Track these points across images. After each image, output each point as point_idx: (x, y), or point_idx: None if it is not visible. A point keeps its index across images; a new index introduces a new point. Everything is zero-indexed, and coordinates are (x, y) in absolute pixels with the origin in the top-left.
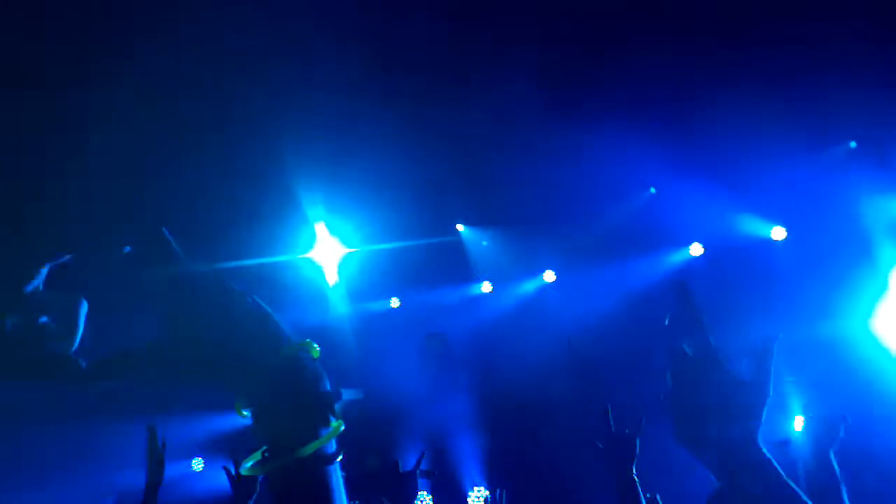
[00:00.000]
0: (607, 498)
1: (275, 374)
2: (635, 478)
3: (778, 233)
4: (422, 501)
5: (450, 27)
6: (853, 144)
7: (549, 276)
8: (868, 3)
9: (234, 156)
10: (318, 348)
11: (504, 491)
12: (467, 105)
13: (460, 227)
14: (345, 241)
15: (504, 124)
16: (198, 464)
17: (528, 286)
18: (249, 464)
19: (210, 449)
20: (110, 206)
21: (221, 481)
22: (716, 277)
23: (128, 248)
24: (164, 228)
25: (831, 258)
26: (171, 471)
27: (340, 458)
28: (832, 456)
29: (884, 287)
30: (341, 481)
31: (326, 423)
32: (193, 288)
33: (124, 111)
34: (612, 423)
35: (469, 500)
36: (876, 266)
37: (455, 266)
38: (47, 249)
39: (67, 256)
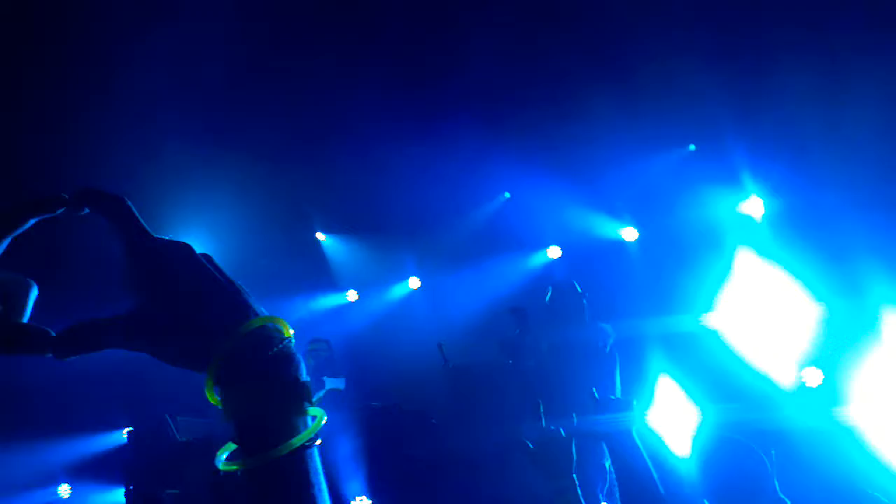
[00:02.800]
0: None
1: (239, 347)
2: (576, 481)
3: (629, 233)
4: None
5: (301, 27)
6: (692, 147)
7: (414, 283)
8: (707, 13)
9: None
10: (290, 328)
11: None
12: (323, 113)
13: (321, 236)
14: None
15: (360, 131)
16: (64, 490)
17: (395, 293)
18: (224, 456)
19: (78, 473)
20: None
21: None
22: (575, 279)
23: (62, 210)
24: (127, 200)
25: (682, 254)
26: (37, 499)
27: (319, 442)
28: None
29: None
30: (319, 464)
31: (302, 412)
32: (155, 256)
33: None
34: (543, 420)
35: None
36: (724, 262)
37: (319, 275)
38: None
39: (32, 221)
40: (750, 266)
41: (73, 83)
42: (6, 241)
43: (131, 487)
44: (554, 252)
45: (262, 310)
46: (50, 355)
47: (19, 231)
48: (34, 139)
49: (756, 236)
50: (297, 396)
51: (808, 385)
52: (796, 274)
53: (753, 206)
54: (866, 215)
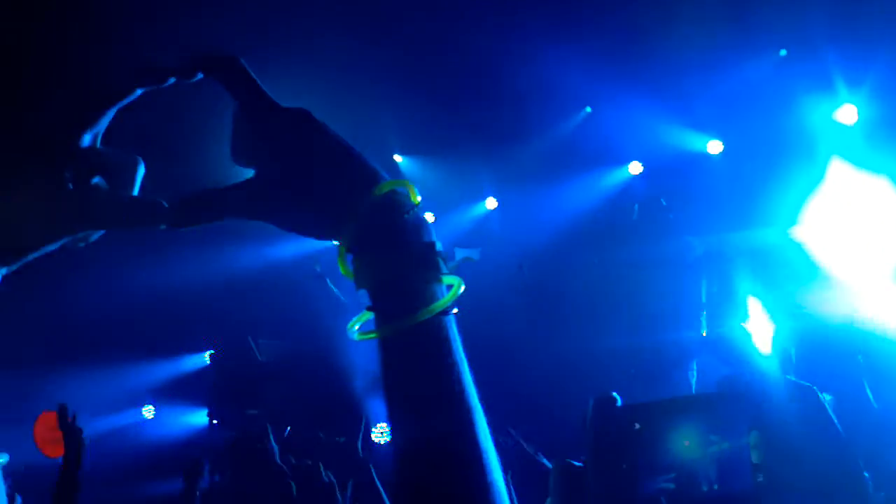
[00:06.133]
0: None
1: (371, 211)
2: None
3: (714, 146)
4: (382, 432)
5: None
6: (783, 53)
7: (491, 203)
8: None
9: None
10: (418, 194)
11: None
12: (399, 33)
13: (398, 158)
14: None
15: (437, 45)
16: (149, 411)
17: (472, 213)
18: (356, 326)
19: (161, 395)
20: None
21: (173, 428)
22: (657, 194)
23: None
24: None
25: (766, 168)
26: (122, 418)
27: (456, 310)
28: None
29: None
30: (457, 332)
31: (438, 278)
32: (279, 121)
33: None
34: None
35: None
36: (817, 172)
37: None
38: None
39: (139, 91)
40: (843, 175)
41: None
42: (111, 113)
43: (213, 408)
44: (635, 168)
45: (386, 175)
46: (164, 227)
47: (125, 102)
48: None
49: (850, 144)
50: (433, 262)
51: None
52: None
53: (847, 112)
54: None
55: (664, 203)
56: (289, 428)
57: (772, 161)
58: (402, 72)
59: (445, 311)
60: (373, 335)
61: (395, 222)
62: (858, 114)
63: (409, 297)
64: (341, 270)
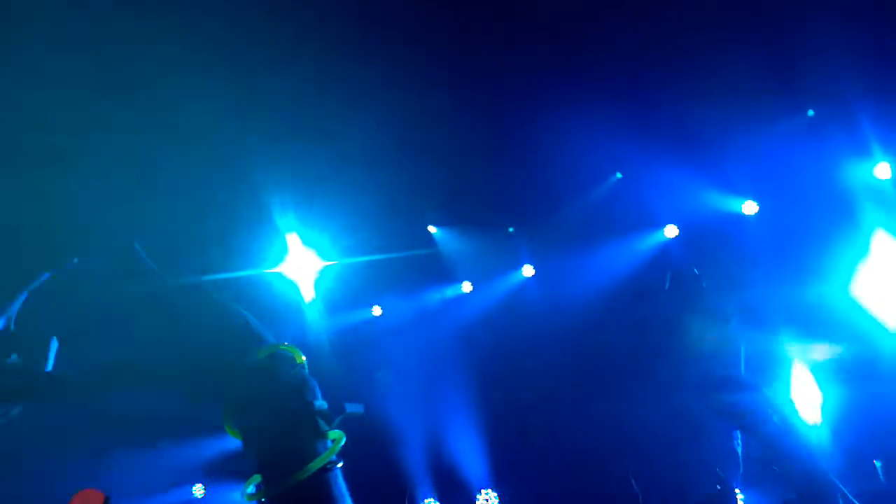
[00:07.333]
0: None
1: (247, 377)
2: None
3: (749, 207)
4: None
5: (418, 25)
6: (811, 113)
7: (528, 271)
8: None
9: (203, 167)
10: (301, 354)
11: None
12: (432, 107)
13: (432, 229)
14: (320, 254)
15: (468, 123)
16: (198, 489)
17: (508, 282)
18: (250, 489)
19: (212, 473)
20: (77, 219)
21: None
22: (693, 257)
23: (76, 260)
24: (135, 244)
25: (805, 227)
26: (172, 498)
27: (340, 464)
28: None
29: (865, 250)
30: (344, 486)
31: (320, 435)
32: (166, 297)
33: (83, 111)
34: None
35: (477, 503)
36: (856, 230)
37: (432, 269)
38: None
39: (46, 275)
40: (883, 236)
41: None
42: (23, 296)
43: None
44: (671, 231)
45: (270, 338)
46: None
47: (34, 286)
48: None
49: (888, 202)
50: (312, 422)
51: None
52: None
53: (883, 170)
54: None
55: (696, 272)
56: None
57: (807, 219)
58: (434, 142)
59: (326, 468)
60: (258, 497)
61: (273, 386)
62: (892, 170)
63: (289, 457)
64: (228, 432)
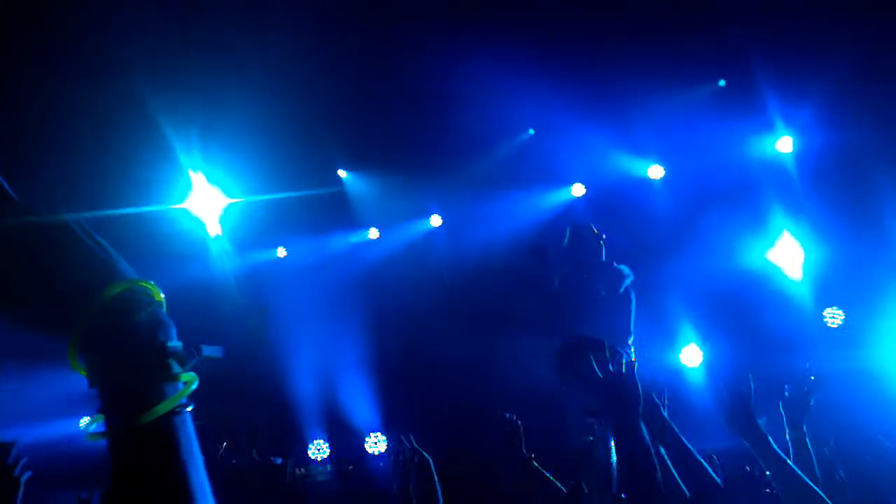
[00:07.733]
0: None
1: (101, 311)
2: (667, 423)
3: (656, 171)
4: (318, 448)
5: None
6: (722, 83)
7: (436, 221)
8: None
9: (95, 92)
10: (161, 292)
11: (411, 435)
12: (347, 49)
13: (342, 173)
14: (226, 191)
15: (384, 67)
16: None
17: (415, 230)
18: (94, 427)
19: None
20: None
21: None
22: (598, 216)
23: None
24: None
25: (710, 194)
26: (63, 428)
27: (191, 408)
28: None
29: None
30: (192, 430)
31: (170, 378)
32: (21, 228)
33: None
34: (607, 364)
35: (366, 446)
36: (757, 201)
37: (340, 213)
38: None
39: None
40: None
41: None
42: None
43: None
44: (578, 190)
45: (131, 273)
46: None
47: None
48: None
49: (784, 175)
50: (163, 363)
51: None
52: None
53: (783, 144)
54: None
55: (595, 230)
56: (224, 444)
57: (710, 187)
58: (348, 89)
59: (175, 411)
60: (101, 436)
61: (125, 323)
62: (793, 145)
63: (136, 398)
64: (72, 367)
